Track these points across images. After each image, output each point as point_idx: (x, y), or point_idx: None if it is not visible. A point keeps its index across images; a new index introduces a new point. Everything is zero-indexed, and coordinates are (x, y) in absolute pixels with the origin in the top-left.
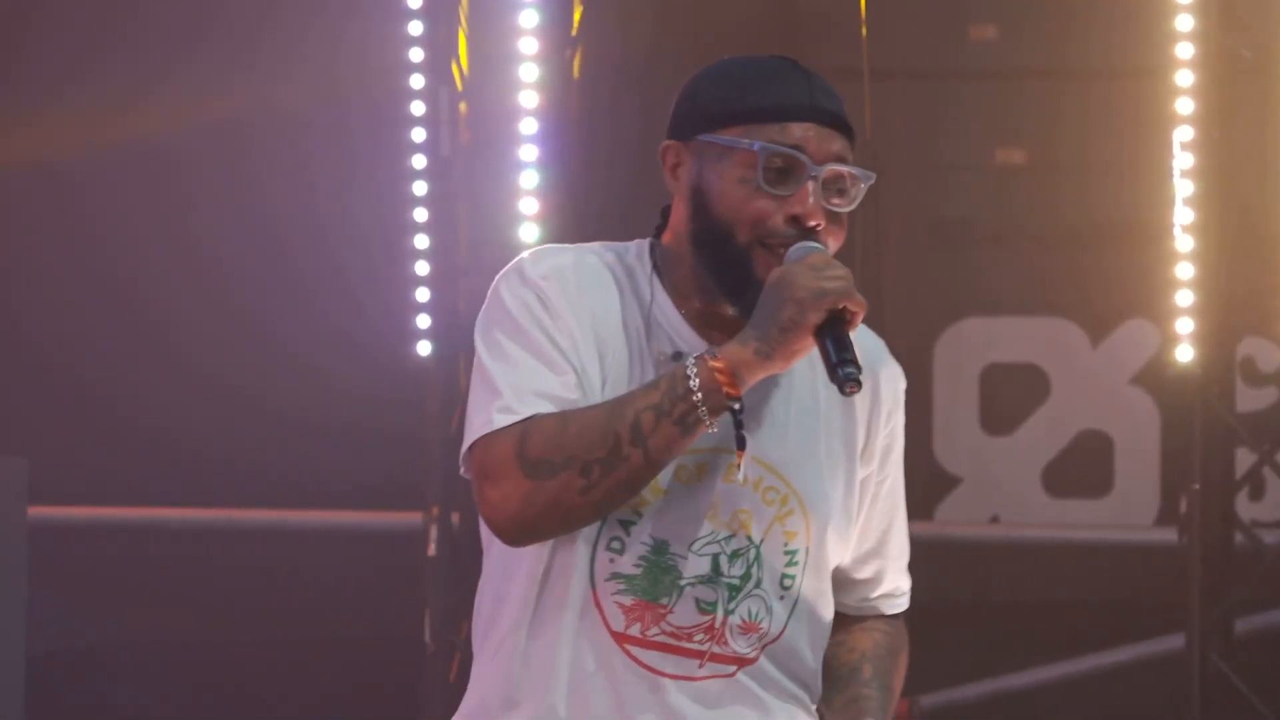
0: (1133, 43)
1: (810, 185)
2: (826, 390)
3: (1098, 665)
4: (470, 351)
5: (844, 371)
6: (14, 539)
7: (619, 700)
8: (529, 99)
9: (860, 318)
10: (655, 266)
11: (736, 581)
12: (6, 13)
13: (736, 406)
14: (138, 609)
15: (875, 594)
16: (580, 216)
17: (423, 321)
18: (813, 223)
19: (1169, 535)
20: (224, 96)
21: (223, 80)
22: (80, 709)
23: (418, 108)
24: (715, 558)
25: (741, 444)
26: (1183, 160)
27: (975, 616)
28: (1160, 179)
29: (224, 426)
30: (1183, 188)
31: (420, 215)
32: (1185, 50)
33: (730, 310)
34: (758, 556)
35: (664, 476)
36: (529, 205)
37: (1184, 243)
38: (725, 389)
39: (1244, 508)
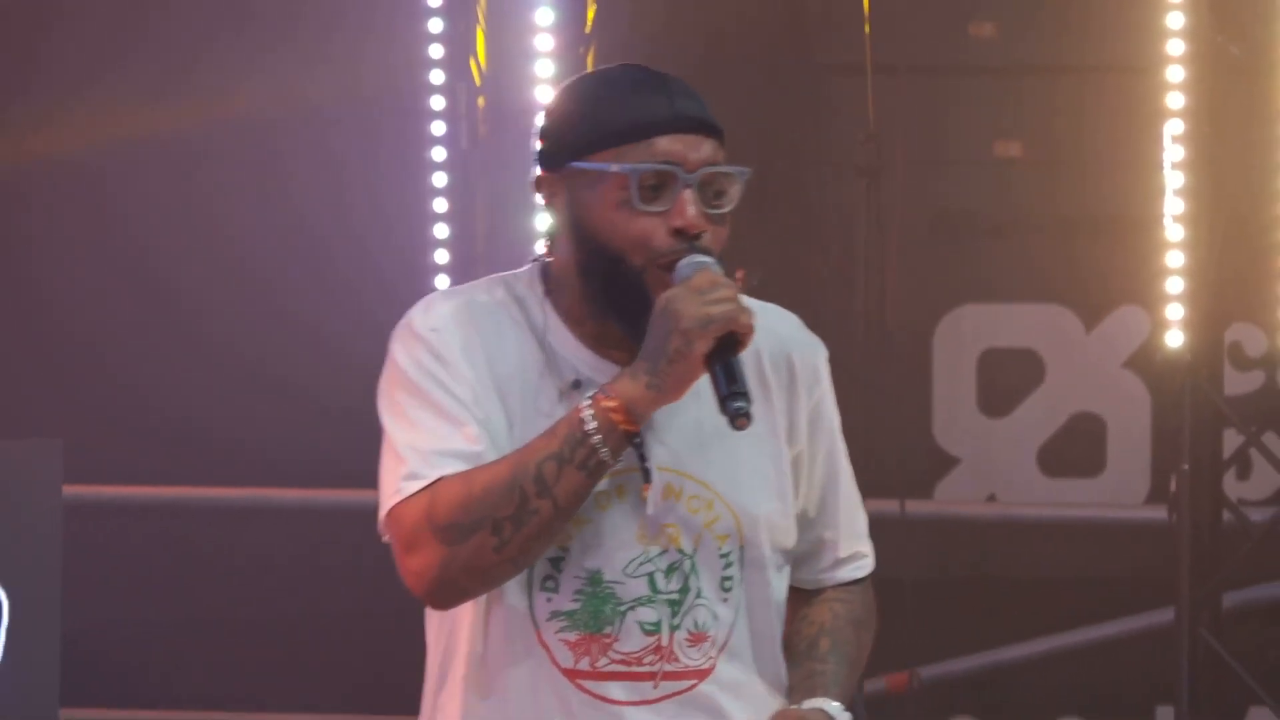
0: (1126, 40)
1: (687, 194)
2: None
3: (1091, 638)
4: None
5: (733, 406)
6: (50, 517)
7: None
8: (545, 94)
9: (750, 339)
10: (547, 292)
11: (675, 596)
12: (37, 8)
13: (637, 440)
14: (168, 585)
15: (827, 564)
16: None
17: None
18: (695, 231)
19: (1159, 513)
20: (252, 92)
21: (250, 76)
22: (114, 682)
23: (438, 102)
24: (650, 577)
25: (647, 476)
26: (1174, 153)
27: (973, 591)
28: (1152, 171)
29: (253, 408)
30: (1173, 179)
31: (440, 206)
32: (1176, 47)
33: (627, 331)
34: (693, 567)
35: (584, 507)
36: (541, 197)
37: (1174, 232)
38: (622, 426)
39: (1231, 487)
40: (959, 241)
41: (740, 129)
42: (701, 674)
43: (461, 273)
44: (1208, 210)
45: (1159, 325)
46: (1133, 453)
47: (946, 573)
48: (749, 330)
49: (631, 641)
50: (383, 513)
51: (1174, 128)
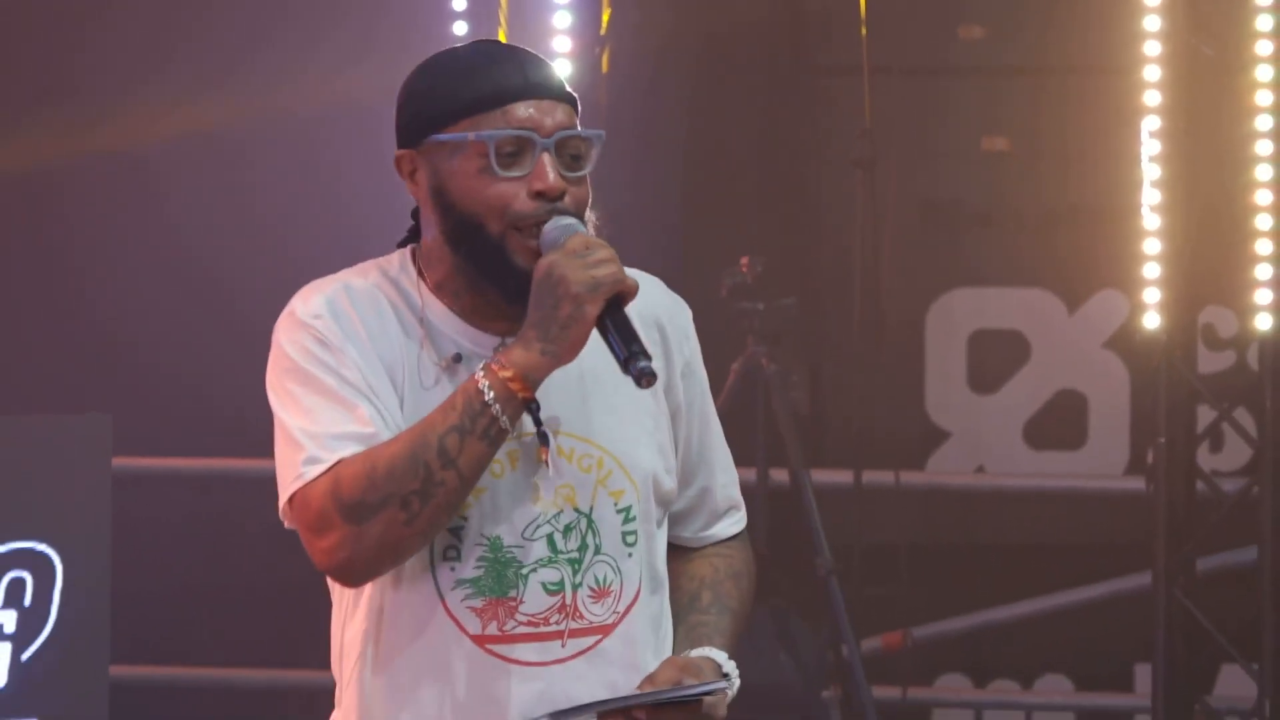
0: (1105, 42)
1: (545, 158)
2: None
3: (1073, 600)
4: None
5: (638, 366)
6: (100, 486)
7: (493, 699)
8: None
9: (633, 297)
10: (420, 273)
11: (575, 554)
12: (86, 6)
13: (533, 406)
14: (209, 550)
15: (706, 519)
16: (606, 198)
17: None
18: (556, 193)
19: (1137, 484)
20: (291, 89)
21: (290, 75)
22: (160, 641)
23: None
24: (549, 538)
25: (544, 440)
26: (1150, 147)
27: (963, 557)
28: (1130, 164)
29: None
30: (1150, 172)
31: None
32: (1153, 48)
33: (499, 299)
34: (590, 524)
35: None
36: None
37: (1151, 221)
38: (520, 394)
39: (1205, 459)
40: (949, 230)
41: (745, 125)
42: (606, 629)
43: None
44: (1182, 201)
45: (1137, 308)
46: (1112, 427)
47: (938, 539)
48: (634, 289)
49: (536, 602)
50: (283, 500)
51: (1151, 124)
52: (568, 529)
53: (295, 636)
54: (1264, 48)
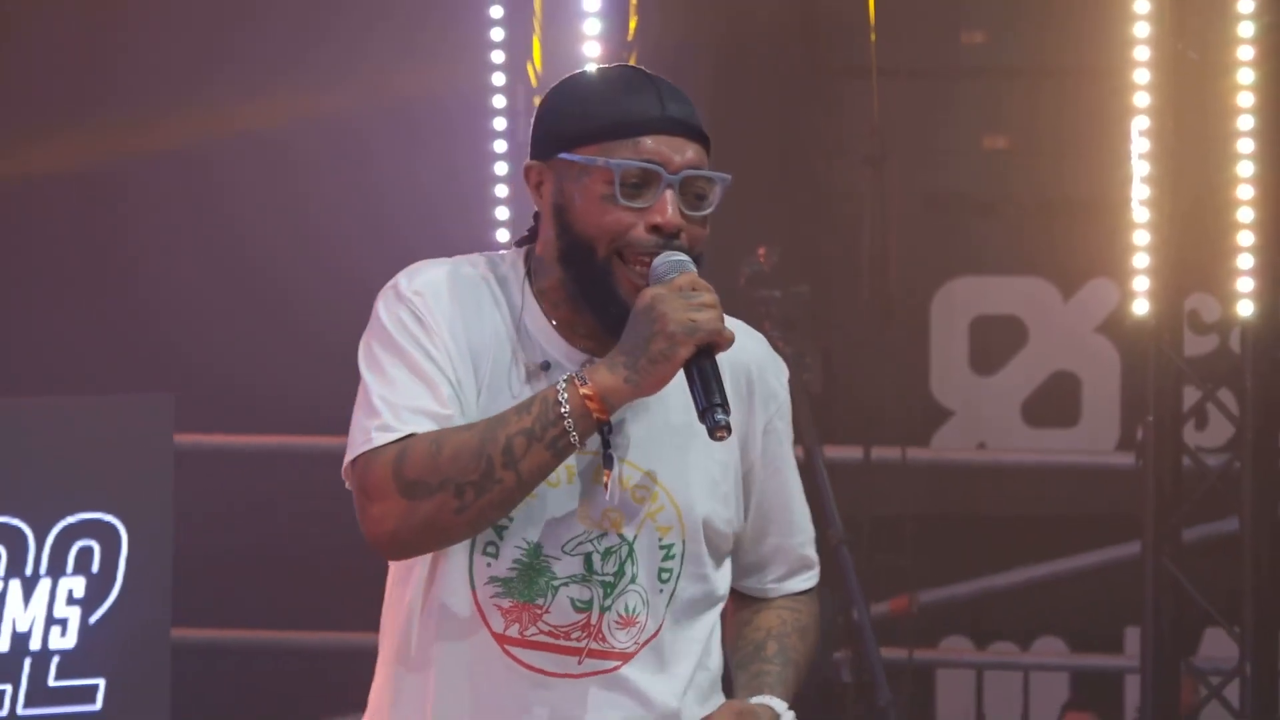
0: (1098, 47)
1: (668, 194)
2: None
3: (1067, 568)
4: None
5: (714, 418)
6: (163, 461)
7: (500, 698)
8: None
9: (727, 348)
10: (528, 275)
11: (610, 579)
12: (142, 15)
13: (606, 429)
14: (263, 520)
15: (778, 574)
16: None
17: None
18: (673, 228)
19: (1127, 459)
20: (337, 92)
21: (336, 79)
22: (217, 605)
23: (499, 101)
24: (588, 557)
25: (609, 463)
26: (1139, 145)
27: (965, 527)
28: (1120, 161)
29: (330, 371)
30: (1139, 168)
31: (501, 191)
32: (1142, 53)
33: (595, 322)
34: (630, 553)
35: None
36: None
37: (1140, 214)
38: (595, 415)
39: (1190, 436)
40: (952, 222)
41: (762, 124)
42: (625, 657)
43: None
44: (1169, 195)
45: (1127, 295)
46: (1104, 406)
47: (942, 511)
48: (729, 340)
49: (561, 615)
50: (349, 458)
51: (1140, 123)
52: (608, 552)
53: (344, 601)
54: (1245, 53)
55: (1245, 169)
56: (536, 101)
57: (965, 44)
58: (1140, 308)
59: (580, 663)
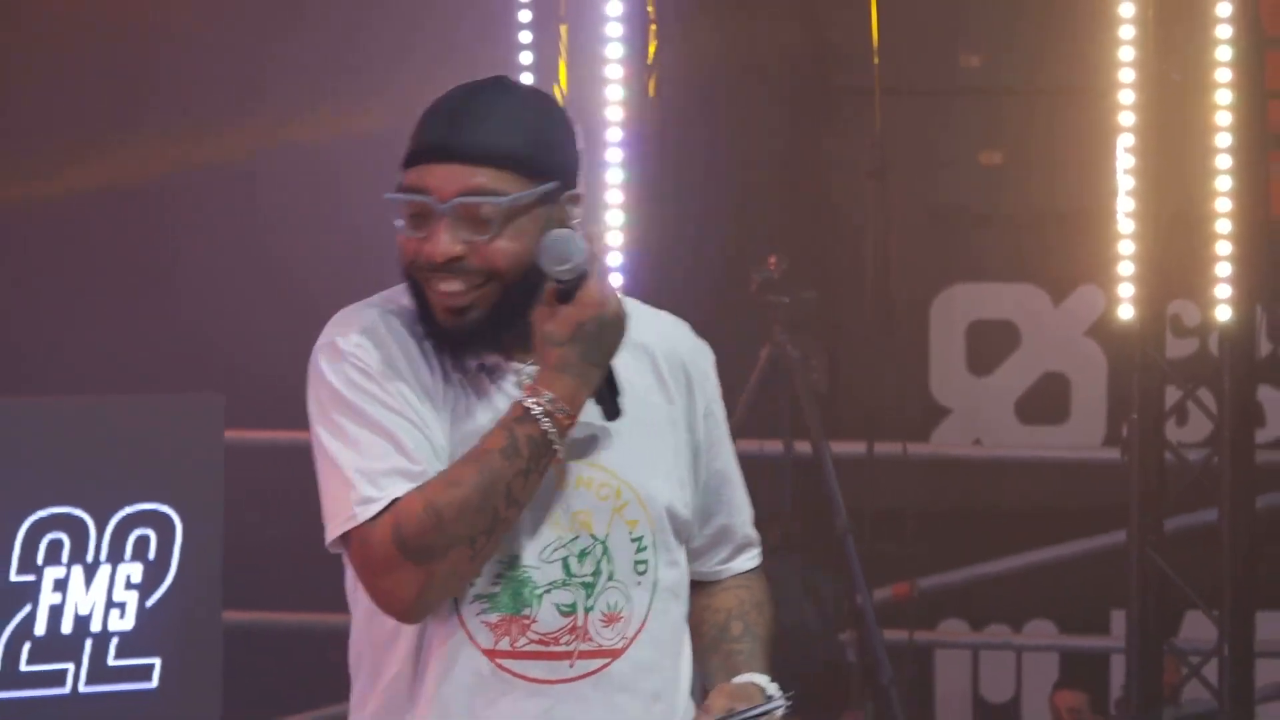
0: (1087, 69)
1: (441, 224)
2: (640, 378)
3: (1057, 555)
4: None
5: (618, 401)
6: (214, 455)
7: (498, 713)
8: (614, 114)
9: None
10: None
11: (589, 579)
12: (186, 36)
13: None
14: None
15: (727, 553)
16: (655, 205)
17: None
18: (437, 260)
19: (1113, 454)
20: (376, 111)
21: (373, 98)
22: (268, 593)
23: None
24: (565, 561)
25: (578, 453)
26: (1125, 160)
27: (962, 518)
28: (1107, 175)
29: None
30: (1125, 182)
31: None
32: (1127, 75)
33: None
34: (605, 551)
35: None
36: (614, 196)
37: (1125, 225)
38: (570, 426)
39: (1172, 432)
40: (950, 232)
41: (772, 139)
42: (615, 653)
43: None
44: (1152, 207)
45: (1113, 301)
46: (1092, 405)
47: (940, 503)
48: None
49: (549, 622)
50: (333, 534)
51: (1125, 140)
52: (583, 554)
53: None
54: (1223, 75)
55: (1223, 183)
56: None
57: (963, 65)
58: (1125, 313)
59: (572, 665)
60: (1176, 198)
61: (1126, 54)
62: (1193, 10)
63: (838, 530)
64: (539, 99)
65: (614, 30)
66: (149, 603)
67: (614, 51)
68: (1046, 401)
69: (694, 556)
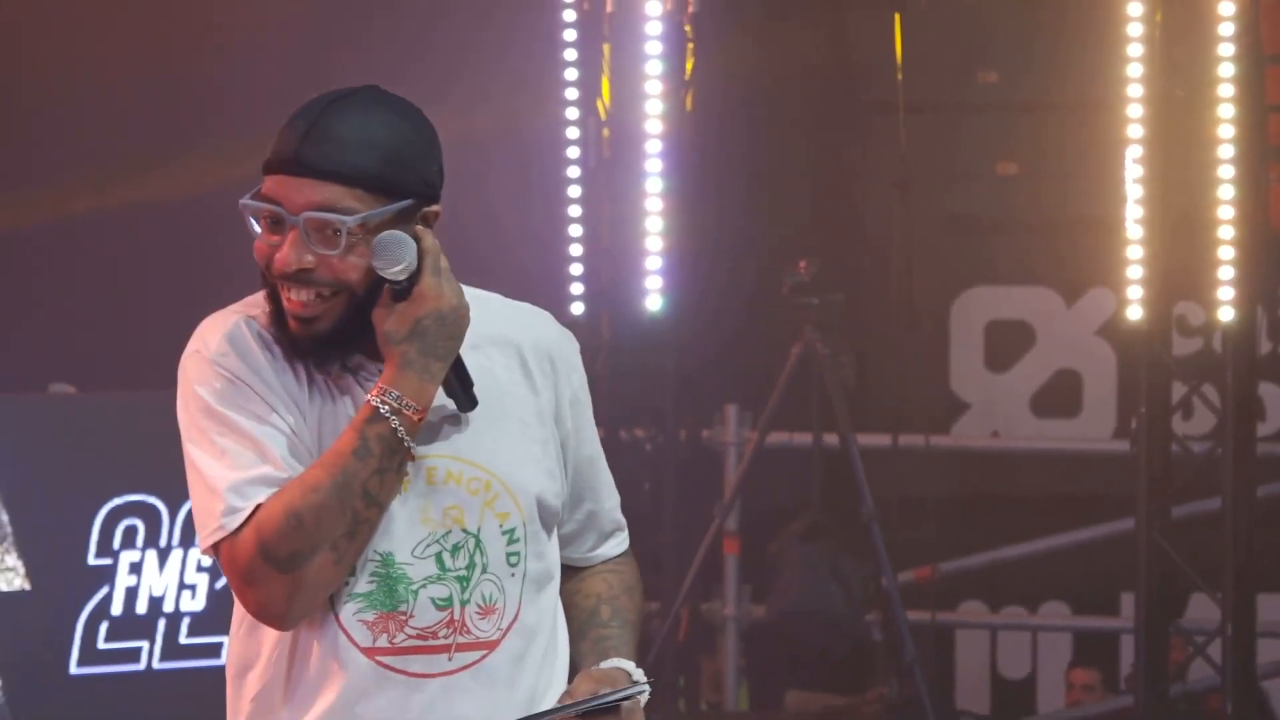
0: (1097, 85)
1: (291, 234)
2: (506, 372)
3: (1070, 541)
4: (611, 310)
5: (473, 394)
6: None
7: (379, 710)
8: (654, 126)
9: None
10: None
11: (463, 572)
12: (234, 56)
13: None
14: None
15: (595, 540)
16: (692, 213)
17: (576, 289)
18: (280, 272)
19: (1123, 446)
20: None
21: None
22: None
23: (572, 132)
24: (439, 555)
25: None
26: (1133, 171)
27: (981, 505)
28: (1116, 184)
29: None
30: (1133, 191)
31: (574, 211)
32: (1135, 90)
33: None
34: (478, 544)
35: None
36: (654, 204)
37: (1134, 231)
38: (419, 424)
39: (1178, 426)
40: (969, 238)
41: (800, 152)
42: (491, 645)
43: (591, 260)
44: (1159, 214)
45: (1122, 302)
46: (1102, 400)
47: (960, 491)
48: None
49: (426, 616)
50: (204, 545)
51: (1133, 152)
52: (456, 548)
53: None
54: (1226, 90)
55: (1226, 192)
56: (605, 133)
57: (981, 82)
58: (1134, 313)
59: (450, 658)
60: (1182, 205)
61: (1135, 71)
62: (1197, 30)
63: (864, 517)
64: (401, 114)
65: (654, 49)
66: (219, 584)
67: (654, 69)
68: (1060, 397)
69: (564, 543)
